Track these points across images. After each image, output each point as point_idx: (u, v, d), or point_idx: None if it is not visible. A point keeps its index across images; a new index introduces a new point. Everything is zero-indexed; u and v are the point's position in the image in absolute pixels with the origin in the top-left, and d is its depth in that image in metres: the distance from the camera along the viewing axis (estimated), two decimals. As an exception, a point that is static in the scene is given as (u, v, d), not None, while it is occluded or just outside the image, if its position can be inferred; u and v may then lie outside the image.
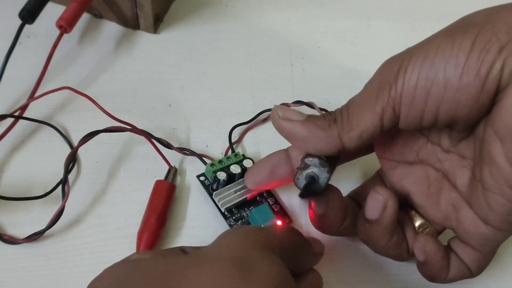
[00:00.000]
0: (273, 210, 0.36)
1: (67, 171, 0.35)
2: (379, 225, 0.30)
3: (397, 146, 0.32)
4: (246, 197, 0.36)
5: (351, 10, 0.47)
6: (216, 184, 0.36)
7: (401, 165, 0.33)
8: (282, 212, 0.36)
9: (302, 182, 0.30)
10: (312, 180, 0.29)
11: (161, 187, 0.36)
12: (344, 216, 0.32)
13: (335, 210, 0.32)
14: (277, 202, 0.36)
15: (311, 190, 0.30)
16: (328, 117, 0.29)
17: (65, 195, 0.35)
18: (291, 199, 0.37)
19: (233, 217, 0.36)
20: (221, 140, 0.40)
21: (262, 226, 0.34)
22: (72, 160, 0.37)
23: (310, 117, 0.29)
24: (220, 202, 0.35)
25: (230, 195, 0.36)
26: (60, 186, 0.36)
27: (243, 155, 0.38)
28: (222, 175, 0.36)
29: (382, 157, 0.33)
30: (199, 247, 0.29)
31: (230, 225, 0.35)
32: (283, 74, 0.43)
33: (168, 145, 0.38)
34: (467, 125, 0.28)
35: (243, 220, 0.35)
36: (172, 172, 0.37)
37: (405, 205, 0.33)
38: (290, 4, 0.47)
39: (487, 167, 0.27)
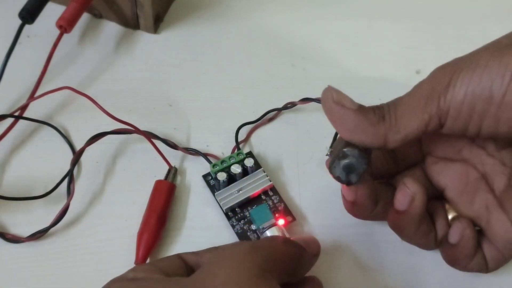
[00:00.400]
0: (276, 208, 0.36)
1: (73, 169, 0.36)
2: (406, 216, 0.31)
3: (441, 144, 0.33)
4: (249, 196, 0.36)
5: (352, 10, 0.47)
6: (217, 184, 0.36)
7: (442, 161, 0.34)
8: (286, 210, 0.36)
9: (339, 171, 0.30)
10: (350, 170, 0.30)
11: (161, 187, 0.36)
12: (374, 203, 0.32)
13: (364, 198, 0.32)
14: (281, 200, 0.36)
15: (347, 180, 0.30)
16: (378, 113, 0.29)
17: (70, 193, 0.35)
18: (295, 197, 0.37)
19: (236, 217, 0.36)
20: (222, 140, 0.40)
21: (261, 237, 0.34)
22: (78, 159, 0.37)
23: (361, 108, 0.29)
24: (222, 202, 0.35)
25: (233, 195, 0.36)
26: (61, 186, 0.36)
27: (248, 152, 0.38)
28: (222, 176, 0.36)
29: (426, 152, 0.34)
30: (197, 253, 0.29)
31: (233, 225, 0.35)
32: (283, 74, 0.43)
33: (174, 146, 0.38)
34: (508, 140, 0.29)
35: (246, 220, 0.35)
36: (172, 172, 0.37)
37: (441, 196, 0.34)
38: (291, 4, 0.47)
39: None
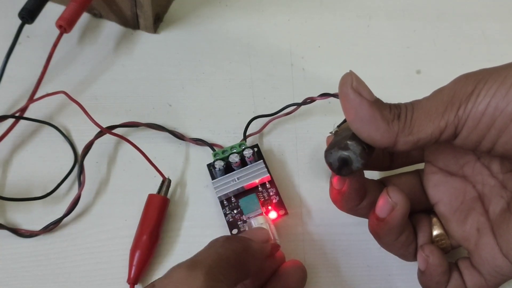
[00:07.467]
0: (271, 201, 0.36)
1: (83, 159, 0.36)
2: (386, 224, 0.30)
3: (445, 155, 0.32)
4: (244, 186, 0.36)
5: (351, 10, 0.47)
6: (215, 172, 0.37)
7: (442, 173, 0.33)
8: (280, 203, 0.36)
9: (334, 159, 0.29)
10: (344, 164, 0.28)
11: (153, 202, 0.36)
12: (361, 198, 0.32)
13: (351, 190, 0.31)
14: (277, 193, 0.36)
15: (338, 171, 0.29)
16: (394, 111, 0.27)
17: (81, 184, 0.36)
18: (292, 191, 0.37)
19: (229, 206, 0.36)
20: (221, 140, 0.40)
21: (247, 226, 0.34)
22: (88, 151, 0.37)
23: (378, 102, 0.28)
24: (217, 190, 0.36)
25: (229, 184, 0.36)
26: (61, 187, 0.37)
27: (254, 145, 0.38)
28: (219, 164, 0.36)
29: (427, 160, 0.33)
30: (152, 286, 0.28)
31: (225, 214, 0.36)
32: (283, 74, 0.43)
33: (180, 137, 0.39)
34: None
35: (239, 209, 0.36)
36: (166, 184, 0.37)
37: (431, 210, 0.33)
38: (290, 3, 0.47)
39: None
